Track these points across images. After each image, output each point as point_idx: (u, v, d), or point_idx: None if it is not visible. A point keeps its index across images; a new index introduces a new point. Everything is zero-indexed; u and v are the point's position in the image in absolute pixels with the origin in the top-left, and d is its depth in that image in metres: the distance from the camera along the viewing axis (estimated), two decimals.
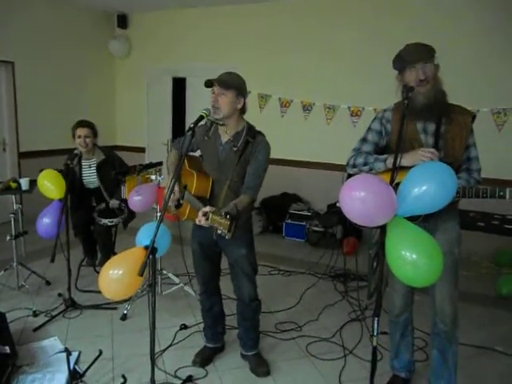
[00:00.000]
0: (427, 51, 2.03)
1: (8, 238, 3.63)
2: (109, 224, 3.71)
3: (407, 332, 2.43)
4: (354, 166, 2.21)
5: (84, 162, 3.86)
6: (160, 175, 3.55)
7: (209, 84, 2.28)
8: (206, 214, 2.01)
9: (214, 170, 2.43)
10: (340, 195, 1.74)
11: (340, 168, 4.55)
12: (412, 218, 1.81)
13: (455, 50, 4.50)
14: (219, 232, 1.97)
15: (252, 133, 2.37)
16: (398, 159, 1.83)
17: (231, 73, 2.34)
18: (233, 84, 2.27)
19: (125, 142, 7.14)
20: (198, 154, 2.62)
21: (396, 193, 1.74)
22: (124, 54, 6.87)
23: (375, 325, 1.89)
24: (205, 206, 2.14)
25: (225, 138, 2.39)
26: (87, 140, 3.71)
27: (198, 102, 6.15)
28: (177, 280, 3.67)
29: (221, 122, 2.31)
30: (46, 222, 3.30)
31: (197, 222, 2.08)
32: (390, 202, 1.69)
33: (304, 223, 5.41)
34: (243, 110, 2.37)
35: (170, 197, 2.13)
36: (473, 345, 2.94)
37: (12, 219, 3.63)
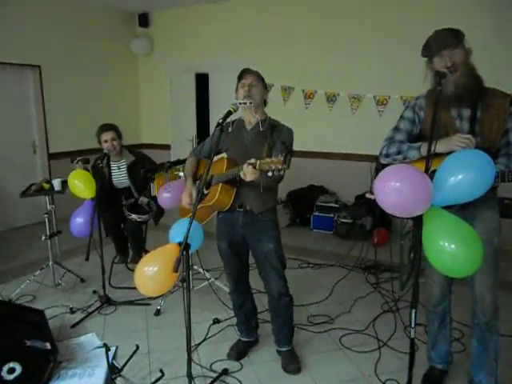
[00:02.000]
0: (454, 37, 1.96)
1: (43, 237, 3.73)
2: (138, 220, 3.76)
3: (445, 323, 2.38)
4: (387, 155, 2.17)
5: (113, 164, 3.92)
6: None
7: (241, 74, 2.40)
8: (253, 163, 2.03)
9: (241, 156, 2.38)
10: (374, 187, 1.71)
11: (367, 158, 4.52)
12: (448, 206, 1.76)
13: (479, 31, 4.36)
14: (269, 175, 1.96)
15: (276, 121, 2.49)
16: (433, 146, 1.78)
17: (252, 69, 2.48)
18: (261, 76, 2.46)
19: (150, 140, 7.24)
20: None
21: (432, 180, 1.70)
22: (146, 53, 6.94)
23: (413, 316, 1.86)
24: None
25: (250, 126, 2.47)
26: (114, 143, 3.75)
27: (221, 97, 6.18)
28: (207, 275, 3.71)
29: (249, 101, 2.34)
30: (79, 221, 3.39)
31: (241, 176, 2.11)
32: (427, 192, 1.65)
33: (332, 215, 5.37)
34: (266, 103, 2.51)
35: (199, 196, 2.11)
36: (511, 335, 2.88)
37: (46, 219, 3.72)
